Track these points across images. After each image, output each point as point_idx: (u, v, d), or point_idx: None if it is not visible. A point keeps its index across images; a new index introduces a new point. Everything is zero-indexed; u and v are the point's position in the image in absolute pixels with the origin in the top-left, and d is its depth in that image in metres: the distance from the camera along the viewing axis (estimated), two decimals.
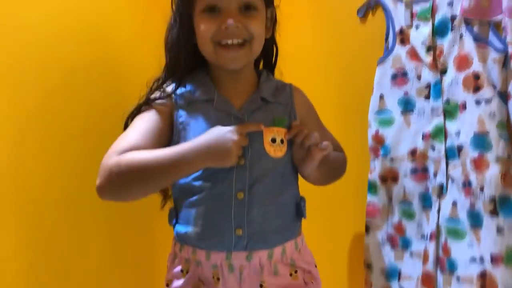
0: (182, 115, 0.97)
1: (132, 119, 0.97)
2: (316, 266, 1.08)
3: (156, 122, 0.96)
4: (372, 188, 1.25)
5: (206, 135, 0.89)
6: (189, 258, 0.99)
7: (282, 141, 0.96)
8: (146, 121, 0.95)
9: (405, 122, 1.21)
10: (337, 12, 1.38)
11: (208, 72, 1.02)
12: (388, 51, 1.25)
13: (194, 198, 0.97)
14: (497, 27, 1.10)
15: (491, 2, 1.08)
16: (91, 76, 1.25)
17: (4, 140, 1.04)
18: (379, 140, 1.24)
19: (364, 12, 1.32)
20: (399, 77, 1.23)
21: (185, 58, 0.99)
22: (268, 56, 1.11)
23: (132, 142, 0.90)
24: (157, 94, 0.99)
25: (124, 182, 0.87)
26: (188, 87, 0.99)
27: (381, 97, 1.25)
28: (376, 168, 1.25)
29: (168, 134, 0.98)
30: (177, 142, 0.95)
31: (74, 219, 1.19)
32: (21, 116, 1.08)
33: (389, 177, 1.23)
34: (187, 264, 0.99)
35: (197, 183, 0.96)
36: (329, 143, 0.98)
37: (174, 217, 1.02)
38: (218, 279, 0.97)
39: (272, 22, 1.05)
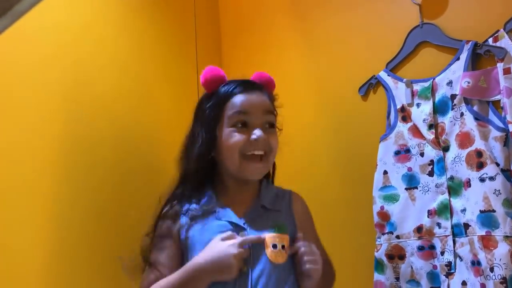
0: (187, 231, 1.02)
1: (150, 250, 1.03)
2: None
3: (170, 249, 1.02)
4: (379, 266, 1.23)
5: (208, 250, 0.94)
6: None
7: (283, 247, 0.98)
8: (162, 252, 1.02)
9: (410, 198, 1.21)
10: (339, 89, 1.42)
11: (213, 185, 1.07)
12: (390, 128, 1.27)
13: None
14: (496, 106, 1.13)
15: (489, 83, 1.12)
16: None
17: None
18: (384, 216, 1.23)
19: (365, 90, 1.36)
20: (402, 153, 1.24)
21: (204, 171, 1.04)
22: None
23: (153, 280, 0.98)
24: (166, 221, 1.04)
25: None
26: (193, 204, 1.04)
27: (385, 173, 1.25)
28: (382, 246, 1.23)
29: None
30: (186, 257, 1.00)
31: None
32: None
33: (396, 255, 1.21)
34: None
35: None
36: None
37: None
38: None
39: None
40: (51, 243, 1.06)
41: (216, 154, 1.05)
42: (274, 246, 0.98)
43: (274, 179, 1.16)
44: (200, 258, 0.94)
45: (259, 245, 0.98)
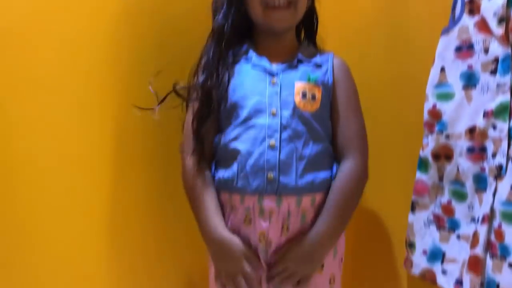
0: (223, 77, 1.08)
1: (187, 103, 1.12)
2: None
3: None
4: (422, 165, 1.19)
5: (227, 249, 1.03)
6: (225, 204, 1.07)
7: (313, 97, 1.04)
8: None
9: (466, 97, 1.13)
10: None
11: (249, 40, 1.11)
12: (454, 21, 1.17)
13: (232, 144, 1.06)
14: None
15: None
16: None
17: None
18: (435, 115, 1.17)
19: None
20: (464, 49, 1.14)
21: (238, 23, 1.07)
22: (309, 25, 1.19)
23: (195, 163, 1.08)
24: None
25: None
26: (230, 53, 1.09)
27: (442, 69, 1.17)
28: (429, 145, 1.18)
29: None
30: (225, 101, 1.07)
31: None
32: None
33: (443, 155, 1.16)
34: (222, 209, 1.07)
35: (236, 131, 1.05)
36: None
37: (214, 163, 1.10)
38: (250, 221, 1.03)
39: None
40: None
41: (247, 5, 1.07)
42: (304, 95, 1.03)
43: (316, 35, 1.19)
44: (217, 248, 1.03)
45: (289, 91, 1.04)
